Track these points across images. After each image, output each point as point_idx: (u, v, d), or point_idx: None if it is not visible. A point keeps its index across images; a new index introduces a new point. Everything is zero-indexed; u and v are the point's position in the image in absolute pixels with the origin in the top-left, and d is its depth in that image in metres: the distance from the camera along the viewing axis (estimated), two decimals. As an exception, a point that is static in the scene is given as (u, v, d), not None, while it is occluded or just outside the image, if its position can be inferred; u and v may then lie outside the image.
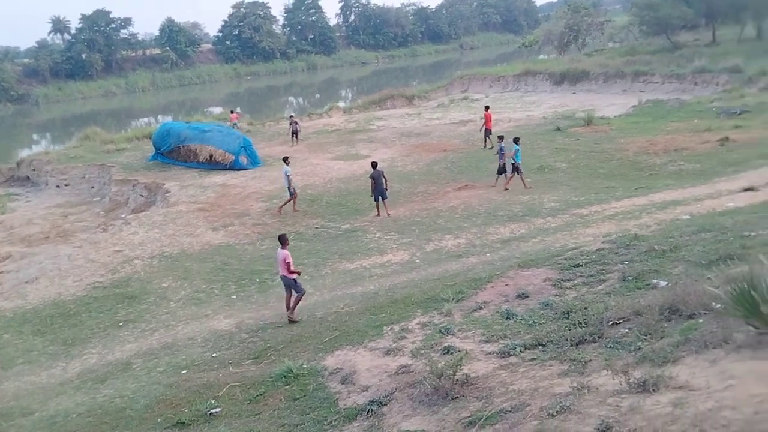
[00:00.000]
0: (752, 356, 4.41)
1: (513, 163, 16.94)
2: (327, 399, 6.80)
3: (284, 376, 7.52)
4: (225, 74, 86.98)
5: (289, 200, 17.11)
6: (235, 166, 22.67)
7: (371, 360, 7.48)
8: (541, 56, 54.47)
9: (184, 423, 7.09)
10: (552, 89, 38.39)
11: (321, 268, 12.65)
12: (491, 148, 21.16)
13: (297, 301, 10.09)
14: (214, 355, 9.20)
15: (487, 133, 22.58)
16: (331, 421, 6.25)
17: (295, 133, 27.23)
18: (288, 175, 16.90)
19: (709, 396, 4.04)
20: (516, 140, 17.19)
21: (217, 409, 7.26)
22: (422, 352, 7.28)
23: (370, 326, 8.68)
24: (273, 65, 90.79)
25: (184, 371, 8.78)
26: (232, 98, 65.98)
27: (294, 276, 10.10)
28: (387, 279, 11.47)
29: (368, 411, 6.13)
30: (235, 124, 29.88)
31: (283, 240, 10.30)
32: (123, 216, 19.30)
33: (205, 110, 39.09)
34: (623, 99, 31.23)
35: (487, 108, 23.84)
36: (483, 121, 23.15)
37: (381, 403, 6.22)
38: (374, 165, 16.36)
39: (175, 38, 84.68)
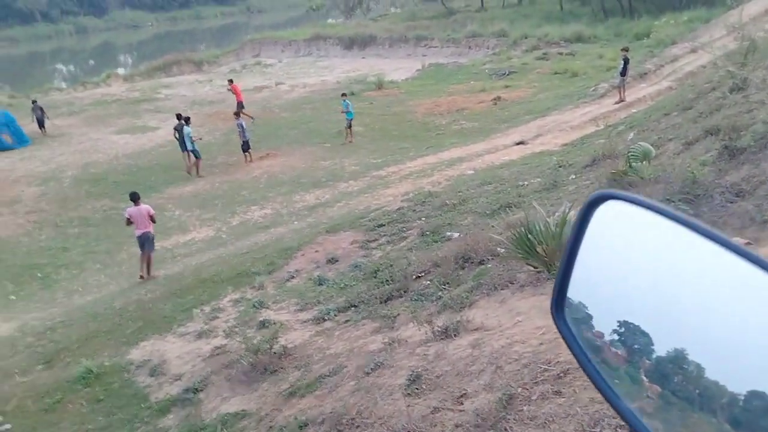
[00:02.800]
0: (533, 293, 5.00)
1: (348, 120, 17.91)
2: (136, 395, 6.35)
3: (83, 378, 6.85)
4: (-27, 41, 74.02)
5: (199, 161, 16.29)
6: (-4, 147, 19.66)
7: (182, 346, 7.12)
8: (330, 20, 55.05)
9: (-35, 450, 6.15)
10: (343, 54, 39.05)
11: (115, 254, 11.65)
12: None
13: (152, 259, 10.28)
14: (-6, 366, 8.05)
15: (240, 106, 20.74)
16: (142, 418, 5.86)
17: (39, 121, 21.57)
18: (190, 136, 15.99)
19: (502, 333, 4.52)
20: (344, 95, 18.49)
21: (7, 426, 6.39)
22: (236, 330, 7.12)
23: (178, 310, 8.23)
24: (34, 29, 79.20)
25: (-41, 391, 7.56)
26: (-17, 68, 56.61)
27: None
28: (192, 258, 10.95)
29: (183, 400, 5.87)
30: None
31: (136, 197, 10.30)
32: None
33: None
34: (408, 63, 32.89)
35: (231, 81, 22.61)
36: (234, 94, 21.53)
37: (196, 389, 5.98)
38: (179, 116, 17.02)
39: None
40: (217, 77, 34.06)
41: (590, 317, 1.04)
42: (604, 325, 1.02)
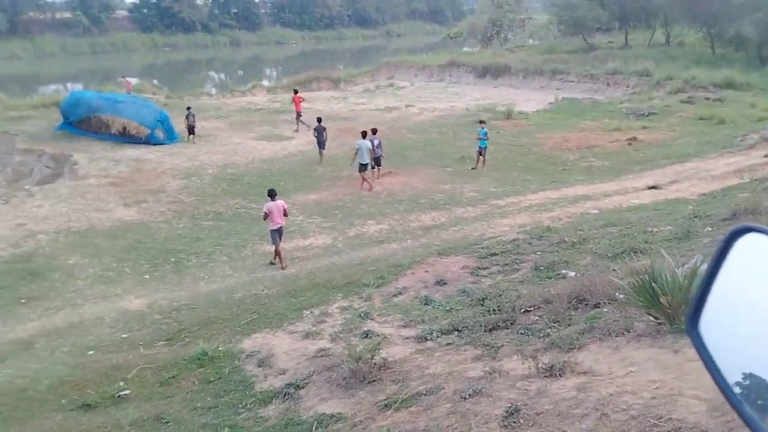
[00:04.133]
0: (651, 344, 4.72)
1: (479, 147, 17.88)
2: (243, 382, 6.72)
3: (198, 359, 7.36)
4: (142, 44, 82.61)
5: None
6: (150, 141, 21.68)
7: (290, 343, 7.45)
8: (465, 48, 55.43)
9: (90, 405, 6.79)
10: (475, 82, 39.19)
11: (241, 250, 12.41)
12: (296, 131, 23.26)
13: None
14: (123, 335, 8.85)
15: (298, 116, 23.82)
16: (246, 404, 6.19)
17: (191, 127, 22.11)
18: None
19: (611, 381, 4.31)
20: (481, 122, 18.54)
21: (126, 392, 7.01)
22: (341, 335, 7.33)
23: (290, 309, 8.63)
24: (194, 38, 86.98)
25: (91, 352, 8.40)
26: (148, 69, 63.00)
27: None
28: (308, 262, 11.42)
29: (285, 394, 6.12)
30: (129, 92, 28.79)
31: (273, 193, 11.45)
32: (27, 187, 18.04)
33: (119, 80, 37.17)
34: (541, 95, 32.33)
35: (296, 92, 25.25)
36: (293, 105, 24.21)
37: (298, 386, 6.22)
38: (319, 120, 19.61)
39: (88, 2, 79.40)
40: (351, 95, 35.46)
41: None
42: (729, 372, 1.05)
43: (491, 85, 37.91)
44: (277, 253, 11.29)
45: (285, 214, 11.42)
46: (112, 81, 38.73)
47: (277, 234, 11.28)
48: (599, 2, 42.80)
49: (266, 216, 11.31)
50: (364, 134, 16.72)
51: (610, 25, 47.43)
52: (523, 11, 57.03)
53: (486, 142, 17.85)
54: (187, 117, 22.13)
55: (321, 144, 19.10)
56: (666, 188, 13.92)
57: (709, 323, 1.13)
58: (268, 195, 11.52)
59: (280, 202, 11.38)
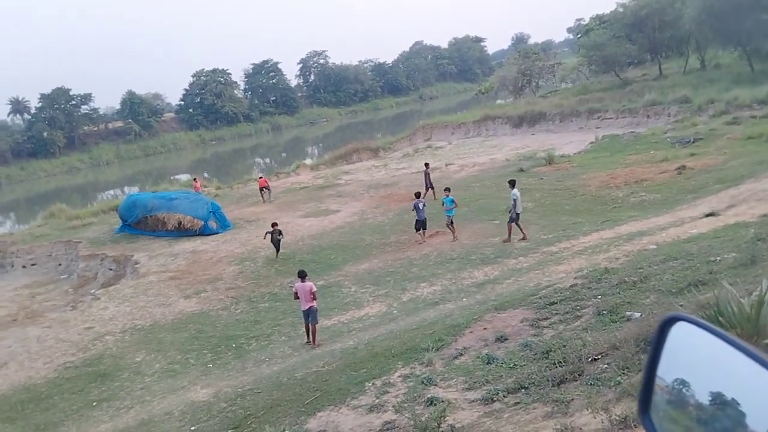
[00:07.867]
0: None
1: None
2: (312, 465, 6.61)
3: (267, 445, 7.30)
4: (190, 141, 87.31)
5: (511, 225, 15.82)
6: (204, 232, 22.51)
7: (354, 419, 7.32)
8: (498, 101, 56.05)
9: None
10: (512, 132, 39.34)
11: (298, 327, 12.46)
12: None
13: (315, 330, 11.36)
14: (192, 428, 8.89)
15: (266, 188, 27.58)
16: (317, 488, 6.06)
17: (276, 244, 18.13)
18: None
19: (690, 425, 4.06)
20: (446, 190, 17.59)
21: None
22: (405, 405, 7.16)
23: (352, 383, 8.52)
24: (237, 129, 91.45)
25: (162, 448, 8.47)
26: (198, 164, 66.04)
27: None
28: (366, 333, 11.35)
29: (355, 473, 5.97)
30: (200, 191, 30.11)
31: (303, 274, 11.54)
32: (92, 291, 18.87)
33: (171, 178, 39.07)
34: (580, 136, 32.12)
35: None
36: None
37: (367, 463, 6.07)
38: (426, 165, 23.77)
39: (137, 110, 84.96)
40: (391, 161, 36.07)
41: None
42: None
43: (528, 133, 37.95)
44: (306, 331, 11.52)
45: (314, 297, 11.33)
46: (165, 180, 40.70)
47: (306, 315, 11.39)
48: (627, 38, 42.85)
49: (296, 296, 11.52)
50: (512, 183, 16.02)
51: (642, 58, 47.25)
52: (552, 57, 57.71)
53: (452, 211, 16.83)
54: (271, 234, 18.13)
55: (429, 185, 22.25)
56: (724, 214, 13.38)
57: (658, 408, 1.22)
58: (298, 275, 11.72)
59: (308, 285, 11.41)
